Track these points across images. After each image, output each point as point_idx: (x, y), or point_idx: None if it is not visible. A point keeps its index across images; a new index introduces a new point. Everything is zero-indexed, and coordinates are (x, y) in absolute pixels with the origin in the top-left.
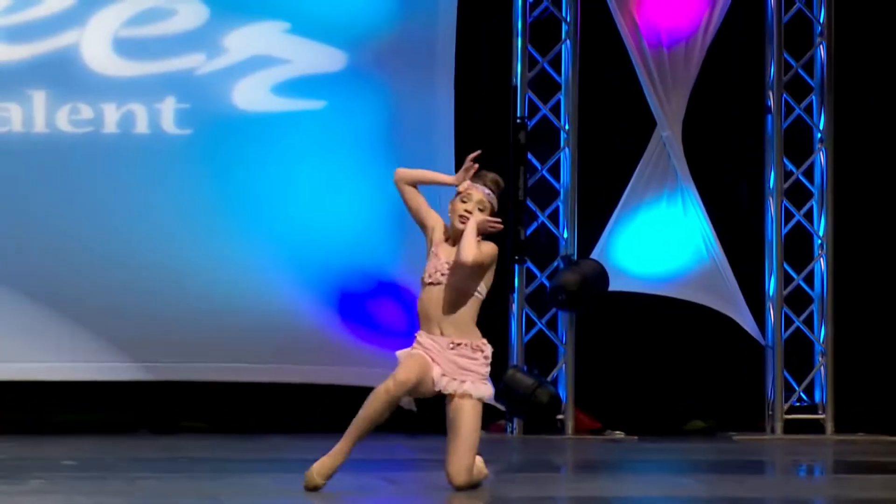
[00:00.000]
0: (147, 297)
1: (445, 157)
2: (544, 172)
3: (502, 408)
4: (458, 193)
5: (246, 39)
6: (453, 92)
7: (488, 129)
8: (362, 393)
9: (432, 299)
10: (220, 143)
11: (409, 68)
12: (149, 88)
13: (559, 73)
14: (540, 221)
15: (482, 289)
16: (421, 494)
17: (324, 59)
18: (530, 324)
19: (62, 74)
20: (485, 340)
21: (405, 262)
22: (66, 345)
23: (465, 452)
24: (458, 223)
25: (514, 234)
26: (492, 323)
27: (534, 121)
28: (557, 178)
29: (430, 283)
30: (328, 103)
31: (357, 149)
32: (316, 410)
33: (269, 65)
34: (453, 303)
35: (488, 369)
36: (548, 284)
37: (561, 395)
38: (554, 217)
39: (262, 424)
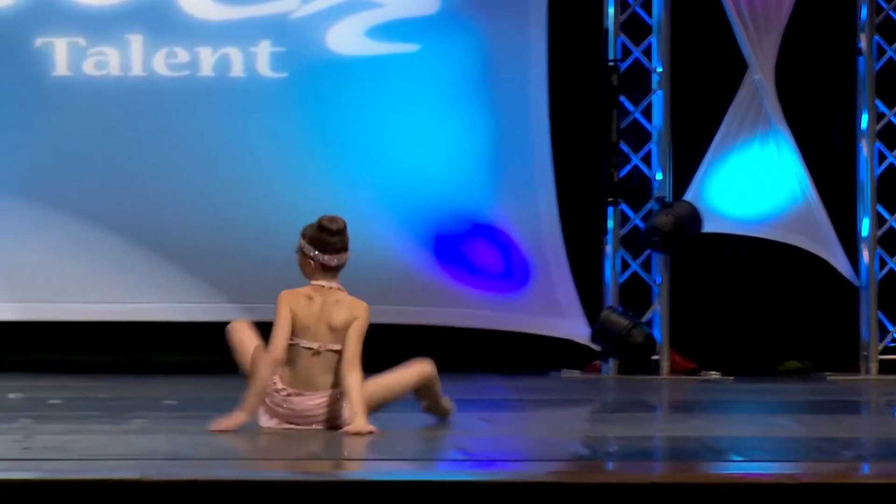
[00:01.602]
0: (244, 239)
1: (538, 100)
2: (637, 115)
3: (598, 348)
4: None
5: None
6: (546, 35)
7: (581, 73)
8: (457, 333)
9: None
10: (315, 86)
11: (502, 11)
12: (244, 32)
13: (650, 15)
14: (633, 164)
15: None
16: (518, 435)
17: (417, 2)
18: (625, 265)
19: (159, 18)
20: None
21: (500, 204)
22: (165, 286)
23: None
24: None
25: (608, 176)
26: (587, 265)
27: (626, 64)
28: (650, 121)
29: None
30: (422, 46)
31: (451, 92)
32: (415, 351)
33: (363, 8)
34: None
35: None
36: (642, 226)
37: (656, 336)
38: (647, 159)
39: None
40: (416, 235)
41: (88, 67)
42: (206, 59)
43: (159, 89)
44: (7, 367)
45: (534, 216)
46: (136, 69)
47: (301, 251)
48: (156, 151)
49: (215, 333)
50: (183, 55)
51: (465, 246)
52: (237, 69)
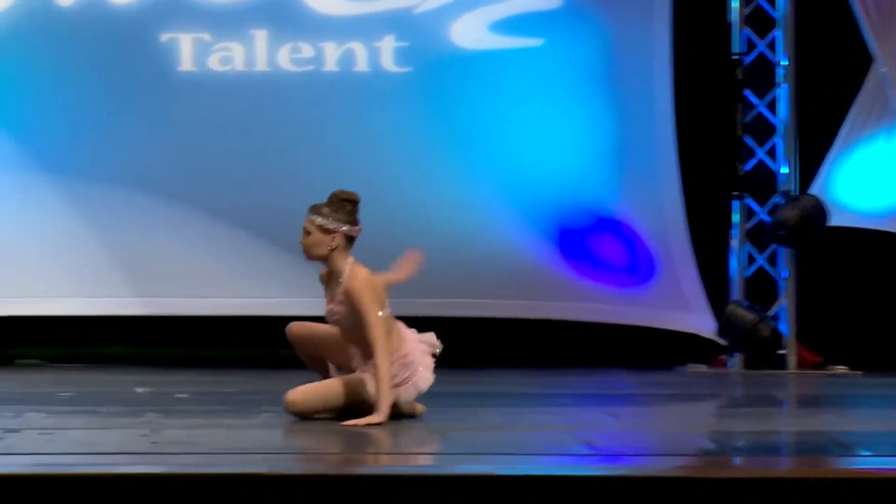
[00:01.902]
0: (367, 234)
1: (662, 93)
2: (762, 108)
3: (724, 343)
4: None
5: None
6: (670, 28)
7: (705, 66)
8: (583, 329)
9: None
10: (439, 81)
11: (626, 4)
12: (368, 27)
13: (775, 8)
14: (758, 158)
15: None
16: (643, 429)
17: None
18: (751, 260)
19: (283, 14)
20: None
21: (624, 197)
22: (291, 281)
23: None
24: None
25: (732, 170)
26: (712, 259)
27: (750, 57)
28: (775, 114)
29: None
30: (546, 41)
31: (575, 85)
32: (539, 345)
33: (488, 2)
34: (352, 339)
35: (400, 376)
36: (768, 220)
37: (782, 330)
38: (772, 153)
39: (484, 359)
40: (540, 230)
41: (213, 63)
42: (331, 54)
43: (284, 84)
44: (135, 362)
45: (658, 210)
46: (261, 64)
47: (325, 229)
48: (280, 146)
49: None
50: (307, 50)
51: (589, 240)
52: (361, 64)
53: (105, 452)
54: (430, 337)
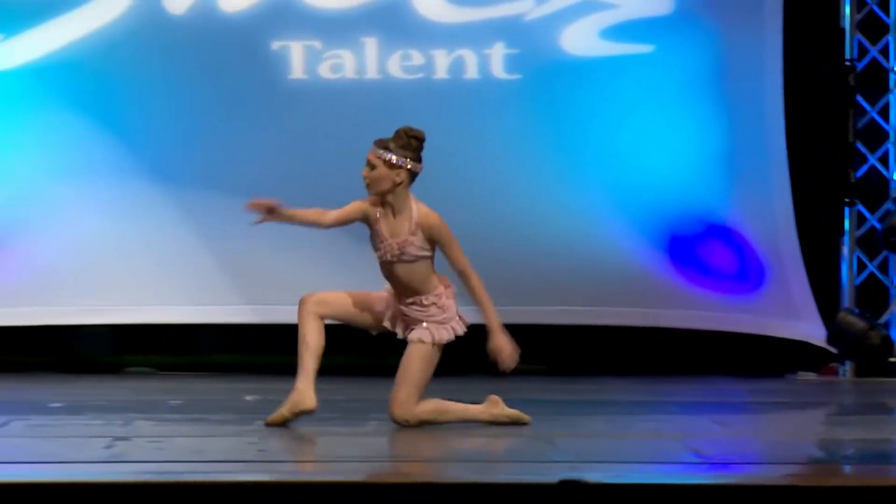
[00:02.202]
0: (478, 241)
1: (773, 100)
2: (874, 114)
3: (834, 350)
4: None
5: None
6: (781, 34)
7: (817, 72)
8: (692, 336)
9: (390, 274)
10: (548, 87)
11: (737, 10)
12: (478, 34)
13: (888, 14)
14: (870, 164)
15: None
16: (752, 437)
17: (651, 2)
18: (861, 266)
19: (394, 21)
20: (439, 290)
21: (735, 204)
22: None
23: (402, 386)
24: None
25: (844, 176)
26: (822, 266)
27: (863, 63)
28: (887, 120)
29: (384, 262)
30: (656, 47)
31: (685, 92)
32: (648, 352)
33: (598, 9)
34: (409, 273)
35: (446, 314)
36: (879, 227)
37: (894, 337)
38: (884, 159)
39: (597, 366)
40: (649, 237)
41: (324, 70)
42: (441, 62)
43: (394, 92)
44: (244, 370)
45: (769, 217)
46: (371, 72)
47: (391, 163)
48: None
49: None
50: (417, 58)
51: (699, 247)
52: (471, 71)
53: (214, 460)
54: (465, 320)
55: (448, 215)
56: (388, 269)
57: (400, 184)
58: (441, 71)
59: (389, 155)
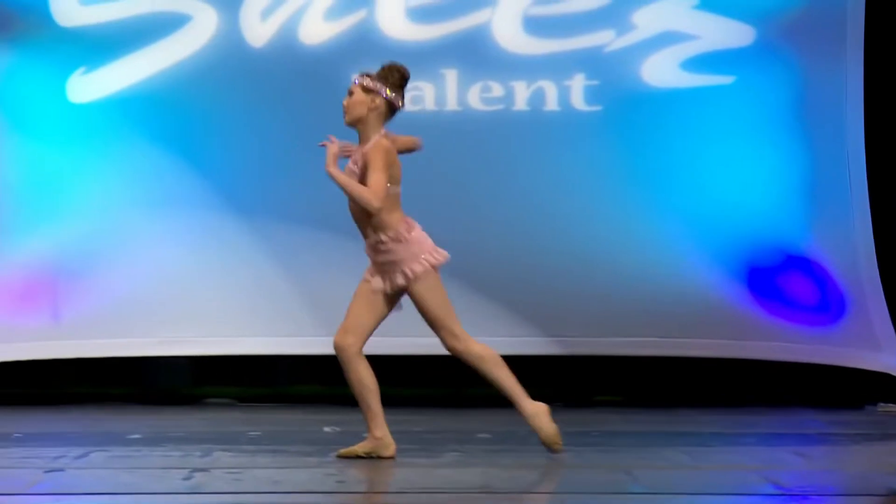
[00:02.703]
0: (558, 272)
1: (855, 131)
2: None
3: None
4: None
5: (655, 15)
6: (863, 65)
7: None
8: (771, 367)
9: (352, 209)
10: (630, 119)
11: (818, 41)
12: (558, 66)
13: None
14: None
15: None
16: (832, 469)
17: (732, 33)
18: None
19: (474, 53)
20: (393, 231)
21: (815, 237)
22: (480, 320)
23: (440, 326)
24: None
25: None
26: None
27: None
28: None
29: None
30: (737, 78)
31: (766, 123)
32: (726, 384)
33: (678, 40)
34: (357, 208)
35: (412, 248)
36: None
37: None
38: None
39: (675, 398)
40: (729, 268)
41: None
42: (521, 93)
43: (474, 123)
44: (323, 401)
45: (850, 249)
46: (451, 104)
47: (367, 89)
48: (470, 184)
49: (527, 366)
50: (497, 89)
51: (779, 278)
52: (551, 103)
53: (292, 491)
54: (441, 252)
55: (527, 246)
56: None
57: (374, 110)
58: (521, 102)
59: (367, 81)
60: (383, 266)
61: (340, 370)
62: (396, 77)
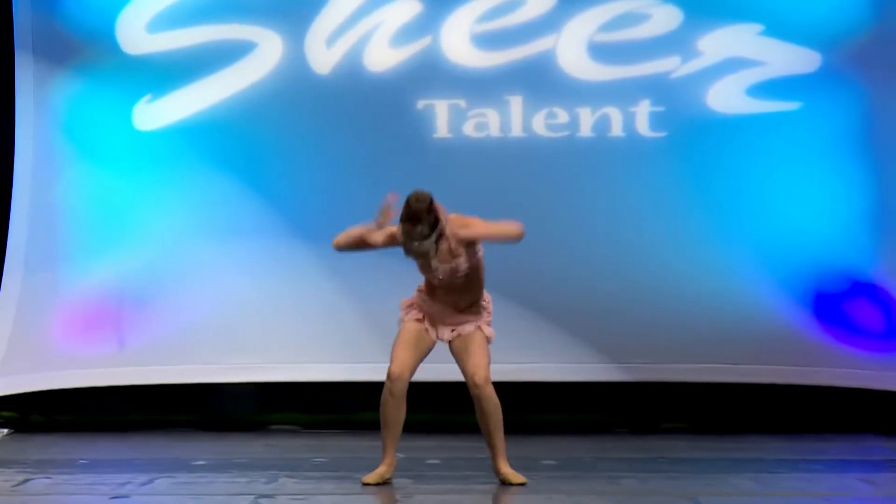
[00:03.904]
0: (624, 298)
1: None
2: None
3: None
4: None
5: (720, 42)
6: None
7: None
8: (838, 393)
9: (449, 290)
10: (695, 145)
11: (883, 67)
12: (623, 92)
13: None
14: None
15: (480, 255)
16: None
17: (798, 60)
18: None
19: (539, 79)
20: (487, 297)
21: (883, 262)
22: (547, 346)
23: (481, 358)
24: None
25: None
26: None
27: None
28: None
29: (440, 284)
30: (803, 104)
31: (832, 149)
32: (793, 411)
33: (745, 66)
34: (470, 283)
35: (490, 317)
36: None
37: None
38: None
39: (741, 424)
40: (795, 294)
41: (469, 129)
42: (586, 120)
43: (538, 150)
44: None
45: None
46: (516, 130)
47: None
48: (535, 211)
49: (594, 393)
50: (562, 116)
51: (845, 305)
52: (616, 129)
53: None
54: None
55: (593, 272)
56: (445, 287)
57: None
58: (586, 129)
59: (433, 236)
60: (461, 319)
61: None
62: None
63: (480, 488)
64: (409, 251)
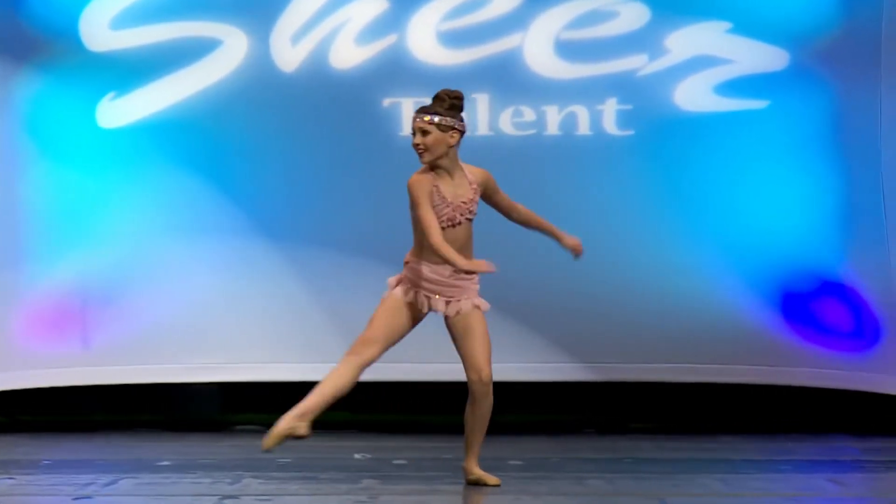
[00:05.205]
0: (591, 298)
1: (890, 155)
2: None
3: None
4: None
5: (688, 39)
6: None
7: None
8: (805, 394)
9: (456, 237)
10: (663, 143)
11: (852, 65)
12: (590, 90)
13: None
14: None
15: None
16: (868, 497)
17: (766, 58)
18: None
19: (505, 77)
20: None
21: (851, 263)
22: (513, 346)
23: (486, 348)
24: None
25: None
26: None
27: None
28: None
29: (451, 226)
30: (771, 102)
31: (800, 148)
32: (761, 411)
33: (713, 65)
34: (468, 233)
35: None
36: None
37: None
38: None
39: (709, 425)
40: (763, 293)
41: None
42: (553, 118)
43: (505, 148)
44: (354, 427)
45: (885, 274)
46: (482, 128)
47: (443, 126)
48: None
49: (561, 393)
50: (529, 114)
51: (813, 304)
52: (583, 127)
53: None
54: None
55: (560, 271)
56: (454, 232)
57: (453, 146)
58: (553, 127)
59: (440, 118)
60: (455, 287)
61: (371, 397)
62: (460, 104)
63: (447, 489)
64: (413, 125)
